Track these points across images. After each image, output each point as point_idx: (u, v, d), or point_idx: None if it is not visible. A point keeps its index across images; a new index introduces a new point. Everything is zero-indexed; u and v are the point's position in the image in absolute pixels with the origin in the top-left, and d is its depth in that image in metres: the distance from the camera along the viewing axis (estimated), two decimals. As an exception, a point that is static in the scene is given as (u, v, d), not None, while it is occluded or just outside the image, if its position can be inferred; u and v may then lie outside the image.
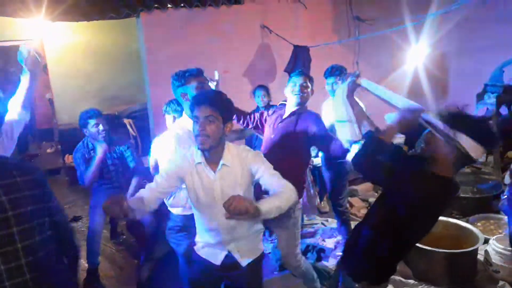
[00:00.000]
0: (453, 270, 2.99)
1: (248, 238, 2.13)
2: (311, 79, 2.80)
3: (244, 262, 2.13)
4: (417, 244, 3.02)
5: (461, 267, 3.04)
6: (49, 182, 1.56)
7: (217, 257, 2.12)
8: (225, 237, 2.07)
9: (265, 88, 4.21)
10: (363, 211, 4.45)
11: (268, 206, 1.80)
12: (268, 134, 2.86)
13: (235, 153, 2.03)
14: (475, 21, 5.49)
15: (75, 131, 4.99)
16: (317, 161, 4.13)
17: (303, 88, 2.72)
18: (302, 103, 2.75)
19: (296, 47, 4.66)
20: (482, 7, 5.07)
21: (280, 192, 1.91)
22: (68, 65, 6.30)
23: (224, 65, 4.56)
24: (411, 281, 3.05)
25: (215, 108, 1.89)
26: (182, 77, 2.37)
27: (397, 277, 3.11)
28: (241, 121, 3.06)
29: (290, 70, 4.58)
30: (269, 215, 1.81)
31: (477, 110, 4.98)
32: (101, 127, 3.27)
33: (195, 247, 2.19)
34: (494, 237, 3.22)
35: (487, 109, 4.88)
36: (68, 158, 5.80)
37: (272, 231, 3.67)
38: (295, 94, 2.72)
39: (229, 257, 2.11)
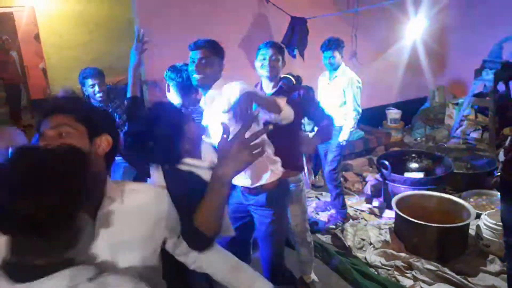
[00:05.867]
0: (444, 244, 3.03)
1: None
2: (281, 51, 2.58)
3: None
4: (410, 218, 3.07)
5: (453, 241, 3.08)
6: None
7: None
8: None
9: None
10: (357, 186, 4.48)
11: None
12: None
13: (125, 188, 1.26)
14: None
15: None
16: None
17: (272, 61, 2.51)
18: (272, 78, 2.55)
19: (293, 19, 4.56)
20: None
21: None
22: (61, 34, 6.16)
23: (218, 36, 4.43)
24: (403, 254, 3.10)
25: (71, 113, 1.16)
26: None
27: (389, 250, 3.16)
28: None
29: (287, 42, 4.50)
30: None
31: (475, 86, 4.95)
32: (97, 88, 3.10)
33: None
34: (486, 212, 3.25)
35: (485, 85, 4.85)
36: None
37: None
38: (263, 68, 2.52)
39: None
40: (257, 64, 2.58)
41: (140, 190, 1.29)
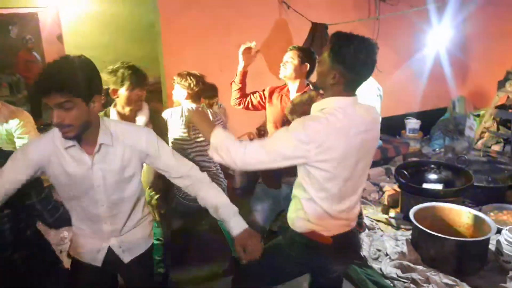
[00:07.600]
0: (463, 258, 2.95)
1: (132, 229, 1.91)
2: (302, 54, 2.79)
3: (127, 258, 1.91)
4: (428, 230, 3.00)
5: (472, 255, 2.99)
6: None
7: (96, 257, 1.87)
8: (104, 229, 1.84)
9: None
10: (374, 195, 4.41)
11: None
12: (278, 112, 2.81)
13: (116, 130, 1.78)
14: (500, 4, 5.30)
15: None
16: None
17: (284, 63, 2.78)
18: (284, 77, 2.80)
19: (314, 25, 4.54)
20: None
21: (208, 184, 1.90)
22: (83, 35, 6.26)
23: (238, 39, 4.45)
24: (420, 267, 3.03)
25: (68, 92, 1.54)
26: None
27: (405, 262, 3.09)
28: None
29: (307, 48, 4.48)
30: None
31: (497, 98, 4.85)
32: None
33: (70, 250, 1.98)
34: (507, 227, 3.16)
35: (508, 97, 4.76)
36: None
37: None
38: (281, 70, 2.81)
39: (110, 253, 1.87)
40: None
41: (128, 130, 1.82)
